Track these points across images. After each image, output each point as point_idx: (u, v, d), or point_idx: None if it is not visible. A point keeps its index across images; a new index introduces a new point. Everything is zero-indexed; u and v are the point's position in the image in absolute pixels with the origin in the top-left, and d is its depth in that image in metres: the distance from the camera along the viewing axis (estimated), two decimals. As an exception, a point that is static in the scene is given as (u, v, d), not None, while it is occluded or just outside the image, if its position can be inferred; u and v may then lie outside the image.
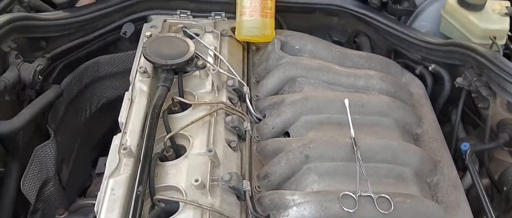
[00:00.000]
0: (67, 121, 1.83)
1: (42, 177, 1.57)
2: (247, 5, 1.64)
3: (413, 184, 1.29)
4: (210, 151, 1.24)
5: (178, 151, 1.31)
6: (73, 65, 1.76)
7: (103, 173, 1.61)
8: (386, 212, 1.16)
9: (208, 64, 1.49)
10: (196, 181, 1.18)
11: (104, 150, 2.21)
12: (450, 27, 1.73)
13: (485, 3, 1.67)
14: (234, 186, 1.20)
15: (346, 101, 1.41)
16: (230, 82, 1.49)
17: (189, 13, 1.76)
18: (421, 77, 1.70)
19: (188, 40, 1.53)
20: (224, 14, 1.77)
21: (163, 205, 1.13)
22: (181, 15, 1.75)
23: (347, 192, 1.18)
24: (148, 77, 1.45)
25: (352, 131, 1.34)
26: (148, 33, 1.55)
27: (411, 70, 1.74)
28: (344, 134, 1.36)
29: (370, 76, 1.54)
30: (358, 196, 1.18)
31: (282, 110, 1.43)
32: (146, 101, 1.39)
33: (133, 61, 1.87)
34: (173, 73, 1.46)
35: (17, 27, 1.45)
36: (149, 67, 1.47)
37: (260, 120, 1.48)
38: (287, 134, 1.45)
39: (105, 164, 1.76)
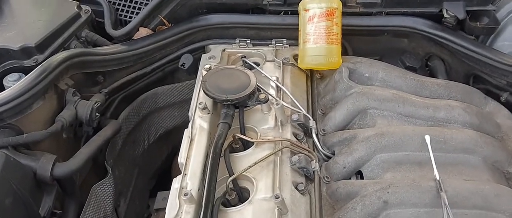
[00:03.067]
0: (124, 154, 1.79)
1: (99, 215, 1.52)
2: (311, 32, 1.52)
3: (511, 234, 1.12)
4: (277, 197, 1.13)
5: (241, 194, 1.22)
6: (131, 98, 1.71)
7: (162, 209, 1.57)
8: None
9: (270, 98, 1.39)
10: (263, 231, 1.07)
11: (161, 179, 2.19)
12: (540, 48, 1.55)
13: None
14: (305, 237, 1.08)
15: (427, 137, 1.26)
16: (294, 117, 1.37)
17: (249, 41, 1.67)
18: (507, 105, 1.51)
19: (249, 72, 1.43)
20: (285, 41, 1.67)
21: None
22: (240, 44, 1.67)
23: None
24: (208, 114, 1.37)
25: (435, 172, 1.18)
26: (207, 66, 1.48)
27: (495, 97, 1.55)
28: (426, 176, 1.21)
29: (452, 108, 1.38)
30: (449, 251, 1.03)
31: (355, 147, 1.29)
32: (206, 139, 1.31)
33: (190, 91, 1.85)
34: (234, 108, 1.37)
35: (75, 64, 1.42)
36: (208, 102, 1.39)
37: (328, 157, 1.36)
38: (359, 174, 1.31)
39: (163, 199, 1.71)
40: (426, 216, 1.13)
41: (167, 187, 1.87)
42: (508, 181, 1.29)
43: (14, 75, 1.37)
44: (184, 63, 1.63)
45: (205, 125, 1.34)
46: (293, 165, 1.25)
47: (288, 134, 1.34)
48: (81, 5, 1.55)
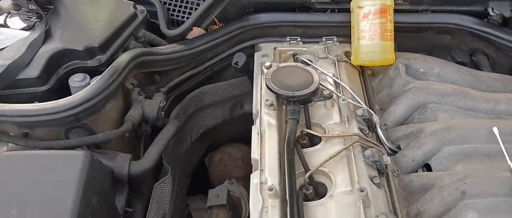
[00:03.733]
0: (171, 152, 1.80)
1: (159, 214, 1.52)
2: (367, 29, 1.55)
3: None
4: (361, 190, 1.15)
5: (317, 189, 1.23)
6: (182, 97, 1.72)
7: (216, 206, 1.57)
8: None
9: (334, 94, 1.42)
10: (351, 224, 1.09)
11: (196, 177, 2.20)
12: None
13: None
14: (391, 227, 1.11)
15: (495, 129, 1.29)
16: (359, 112, 1.39)
17: (299, 39, 1.69)
18: (558, 97, 1.55)
19: (311, 69, 1.45)
20: (335, 39, 1.70)
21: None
22: (291, 42, 1.69)
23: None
24: (274, 110, 1.39)
25: (509, 162, 1.22)
26: (267, 64, 1.49)
27: (543, 90, 1.59)
28: (499, 167, 1.23)
29: (510, 101, 1.42)
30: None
31: (423, 140, 1.32)
32: (276, 135, 1.32)
33: (235, 89, 1.86)
34: (299, 104, 1.39)
35: (138, 63, 1.42)
36: (273, 99, 1.40)
37: (394, 151, 1.38)
38: (426, 167, 1.34)
39: (216, 197, 1.71)
40: (505, 205, 1.15)
41: (202, 185, 1.92)
42: None
43: (79, 76, 1.38)
44: (238, 62, 1.63)
45: (273, 121, 1.36)
46: (367, 159, 1.27)
47: (355, 128, 1.36)
48: (136, 5, 1.55)
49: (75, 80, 1.37)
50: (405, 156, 1.33)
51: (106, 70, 1.31)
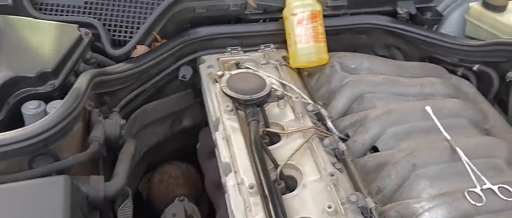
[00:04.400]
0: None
1: (126, 239, 1.50)
2: (302, 33, 1.70)
3: (510, 171, 1.38)
4: (332, 175, 1.26)
5: (287, 182, 1.33)
6: (128, 116, 1.72)
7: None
8: (512, 199, 1.24)
9: (286, 94, 1.53)
10: (330, 207, 1.19)
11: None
12: (477, 30, 1.89)
13: (507, 4, 1.85)
14: (362, 205, 1.23)
15: (428, 108, 1.49)
16: (309, 108, 1.52)
17: (239, 48, 1.78)
18: (464, 78, 1.82)
19: (261, 73, 1.56)
20: (272, 45, 1.82)
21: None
22: (232, 52, 1.78)
23: (470, 189, 1.25)
24: (235, 115, 1.46)
25: (445, 134, 1.42)
26: (219, 73, 1.56)
27: (451, 73, 1.85)
28: (436, 139, 1.43)
29: (434, 83, 1.64)
30: (480, 190, 1.25)
31: (369, 125, 1.47)
32: (242, 137, 1.40)
33: (177, 104, 1.90)
34: (256, 106, 1.48)
35: (95, 84, 1.41)
36: (230, 104, 1.48)
37: (344, 139, 1.52)
38: (373, 149, 1.50)
39: (174, 215, 1.73)
40: (448, 170, 1.35)
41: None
42: (488, 135, 1.58)
43: (34, 103, 1.32)
44: (185, 75, 1.69)
45: (236, 125, 1.43)
46: (326, 147, 1.39)
47: (309, 122, 1.48)
48: (79, 28, 1.54)
49: (29, 108, 1.32)
50: (355, 141, 1.48)
51: (69, 92, 1.28)
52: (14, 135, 1.17)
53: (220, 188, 1.71)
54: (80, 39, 1.49)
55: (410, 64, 1.76)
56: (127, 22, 1.70)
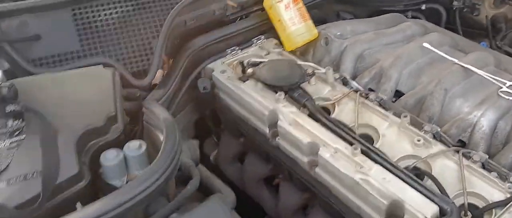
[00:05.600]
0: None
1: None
2: (290, 16, 1.82)
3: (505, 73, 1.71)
4: (402, 116, 1.45)
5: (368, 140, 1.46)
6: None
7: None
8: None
9: (317, 71, 1.65)
10: (419, 140, 1.38)
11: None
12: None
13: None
14: (436, 131, 1.43)
15: (426, 44, 1.76)
16: (336, 76, 1.67)
17: (237, 48, 1.84)
18: (416, 18, 2.14)
19: (285, 57, 1.66)
20: (262, 37, 1.91)
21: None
22: (232, 53, 1.82)
23: (499, 90, 1.54)
24: (287, 102, 1.54)
25: (450, 58, 1.70)
26: (250, 70, 1.61)
27: (400, 18, 2.16)
28: (445, 65, 1.69)
29: (410, 26, 1.92)
30: (507, 87, 1.55)
31: (389, 74, 1.68)
32: (308, 117, 1.49)
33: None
34: (299, 88, 1.57)
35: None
36: (282, 93, 1.55)
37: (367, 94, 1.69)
38: (397, 93, 1.70)
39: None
40: (470, 84, 1.61)
41: None
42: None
43: (112, 152, 1.23)
44: (205, 86, 1.69)
45: (295, 109, 1.51)
46: (374, 101, 1.56)
47: (343, 88, 1.63)
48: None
49: (109, 158, 1.23)
50: (385, 90, 1.67)
51: (165, 129, 1.22)
52: (139, 187, 1.10)
53: (262, 183, 1.78)
54: (114, 76, 1.41)
55: (380, 18, 2.01)
56: (133, 52, 1.63)
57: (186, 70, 1.74)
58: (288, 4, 1.82)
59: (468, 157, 1.35)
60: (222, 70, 1.73)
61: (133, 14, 1.67)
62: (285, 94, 1.57)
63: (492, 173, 1.31)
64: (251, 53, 1.84)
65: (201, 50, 1.79)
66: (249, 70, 1.62)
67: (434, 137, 1.43)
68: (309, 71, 1.63)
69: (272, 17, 1.86)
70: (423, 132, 1.43)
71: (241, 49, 1.85)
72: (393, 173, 1.28)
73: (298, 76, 1.57)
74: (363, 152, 1.34)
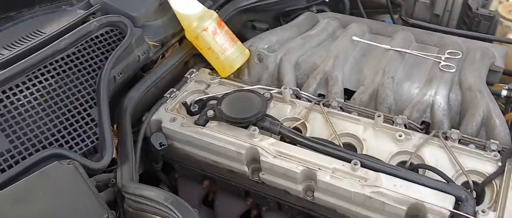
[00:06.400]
0: None
1: None
2: (221, 42, 1.72)
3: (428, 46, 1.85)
4: (375, 116, 1.47)
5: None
6: None
7: None
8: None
9: (272, 92, 1.59)
10: (400, 136, 1.43)
11: None
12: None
13: None
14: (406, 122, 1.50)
15: (355, 38, 1.80)
16: (289, 92, 1.63)
17: (174, 90, 1.67)
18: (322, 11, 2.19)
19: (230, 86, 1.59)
20: (194, 70, 1.77)
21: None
22: (171, 96, 1.65)
23: (440, 65, 1.65)
24: (264, 134, 1.46)
25: (382, 46, 1.77)
26: (210, 113, 1.48)
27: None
28: (380, 54, 1.76)
29: (329, 23, 1.96)
30: (444, 59, 1.67)
31: (334, 76, 1.68)
32: (291, 145, 1.43)
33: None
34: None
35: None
36: (254, 127, 1.45)
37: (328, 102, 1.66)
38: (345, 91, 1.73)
39: None
40: (409, 66, 1.71)
41: None
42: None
43: None
44: (161, 142, 1.51)
45: (274, 140, 1.44)
46: (337, 107, 1.56)
47: (303, 102, 1.61)
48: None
49: None
50: (336, 92, 1.68)
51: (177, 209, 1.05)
52: None
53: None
54: (78, 170, 1.18)
55: (295, 23, 2.00)
56: (74, 129, 1.37)
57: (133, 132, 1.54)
58: (215, 30, 1.71)
59: (447, 138, 1.43)
60: (171, 119, 1.57)
61: (58, 87, 1.41)
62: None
63: (470, 145, 1.41)
64: (190, 91, 1.70)
65: (138, 104, 1.60)
66: (210, 113, 1.49)
67: (405, 127, 1.50)
68: (266, 95, 1.56)
69: (201, 47, 1.74)
70: (397, 125, 1.48)
71: (178, 89, 1.70)
72: (399, 177, 1.30)
73: (260, 104, 1.50)
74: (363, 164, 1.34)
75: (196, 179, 1.71)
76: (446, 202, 1.23)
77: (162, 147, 1.52)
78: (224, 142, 1.47)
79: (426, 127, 1.57)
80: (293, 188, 1.42)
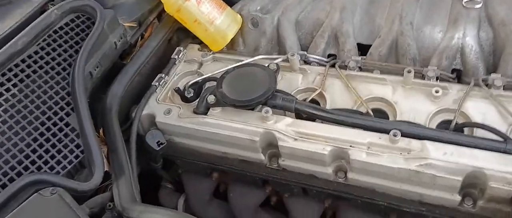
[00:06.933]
0: None
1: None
2: (208, 11, 1.47)
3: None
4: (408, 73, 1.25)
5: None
6: None
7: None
8: None
9: (277, 62, 1.35)
10: (437, 92, 1.22)
11: None
12: None
13: None
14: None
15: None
16: (297, 57, 1.39)
17: (163, 75, 1.43)
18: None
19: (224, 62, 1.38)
20: (181, 49, 1.52)
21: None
22: (160, 84, 1.41)
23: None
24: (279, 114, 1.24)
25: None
26: (211, 99, 1.25)
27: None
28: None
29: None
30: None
31: (344, 30, 1.44)
32: (310, 122, 1.22)
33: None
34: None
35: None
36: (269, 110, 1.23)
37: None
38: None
39: None
40: (424, 8, 1.46)
41: None
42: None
43: None
44: (159, 141, 1.29)
45: (291, 119, 1.22)
46: (355, 68, 1.35)
47: (315, 68, 1.38)
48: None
49: None
50: (349, 50, 1.43)
51: None
52: None
53: (260, 210, 1.49)
54: (65, 198, 0.95)
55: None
56: (53, 146, 1.13)
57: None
58: (198, -2, 1.45)
59: (489, 86, 1.23)
60: (166, 111, 1.34)
61: (24, 96, 1.15)
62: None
63: (515, 90, 1.21)
64: (181, 73, 1.46)
65: (123, 99, 1.36)
66: (210, 99, 1.26)
67: (437, 79, 1.29)
68: (272, 66, 1.33)
69: (185, 20, 1.48)
70: (429, 79, 1.27)
71: (167, 74, 1.45)
72: (448, 142, 1.10)
73: (267, 79, 1.26)
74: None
75: (204, 172, 1.49)
76: (509, 165, 1.04)
77: (161, 146, 1.29)
78: (232, 130, 1.25)
79: (458, 76, 1.36)
80: (321, 171, 1.22)
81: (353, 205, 1.30)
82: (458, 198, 1.10)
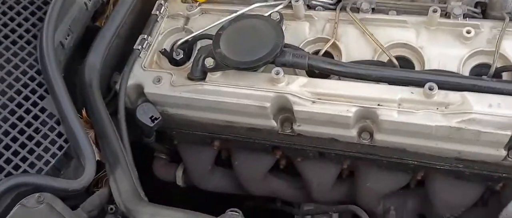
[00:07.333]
0: None
1: None
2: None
3: None
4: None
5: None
6: None
7: None
8: None
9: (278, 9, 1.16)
10: (468, 32, 1.06)
11: None
12: None
13: None
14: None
15: None
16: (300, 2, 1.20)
17: (144, 37, 1.22)
18: None
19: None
20: (162, 3, 1.30)
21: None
22: (143, 48, 1.20)
23: None
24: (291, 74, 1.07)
25: None
26: (210, 62, 1.06)
27: None
28: None
29: None
30: None
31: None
32: (330, 80, 1.07)
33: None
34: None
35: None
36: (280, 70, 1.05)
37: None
38: None
39: None
40: None
41: None
42: None
43: None
44: (153, 116, 1.11)
45: (306, 78, 1.06)
46: (368, 10, 1.16)
47: (323, 15, 1.19)
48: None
49: None
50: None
51: None
52: None
53: (270, 176, 1.35)
54: (56, 205, 0.78)
55: None
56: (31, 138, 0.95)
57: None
58: None
59: (525, 21, 1.08)
60: (155, 79, 1.14)
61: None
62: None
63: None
64: (166, 32, 1.25)
65: (103, 70, 1.16)
66: (208, 62, 1.07)
67: (464, 17, 1.13)
68: (274, 15, 1.14)
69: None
70: (456, 17, 1.10)
71: (150, 34, 1.24)
72: (492, 92, 0.95)
73: (272, 33, 1.07)
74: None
75: (203, 141, 1.33)
76: None
77: (156, 121, 1.11)
78: (238, 97, 1.07)
79: (482, 10, 1.20)
80: (344, 134, 1.07)
81: (376, 165, 1.17)
82: (503, 153, 0.98)
